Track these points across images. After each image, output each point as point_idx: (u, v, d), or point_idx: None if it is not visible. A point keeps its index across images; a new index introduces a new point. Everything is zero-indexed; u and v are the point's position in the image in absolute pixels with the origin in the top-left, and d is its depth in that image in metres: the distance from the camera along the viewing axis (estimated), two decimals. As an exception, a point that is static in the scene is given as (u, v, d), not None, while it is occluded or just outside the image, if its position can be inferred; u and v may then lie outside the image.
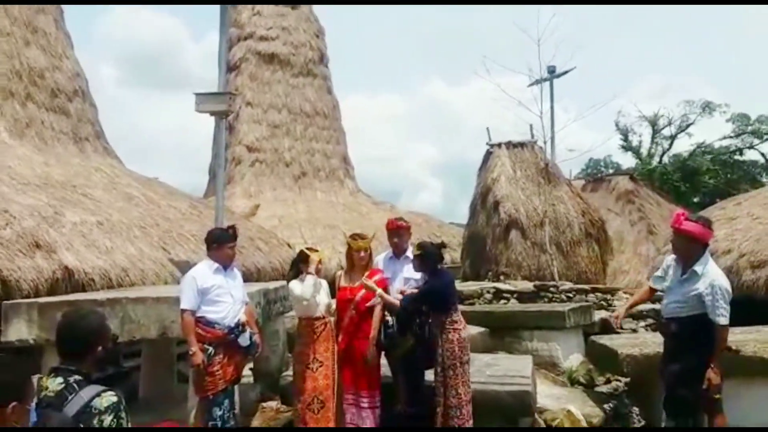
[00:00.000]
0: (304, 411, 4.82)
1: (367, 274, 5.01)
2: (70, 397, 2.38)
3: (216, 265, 4.89)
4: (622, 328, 4.39)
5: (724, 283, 4.00)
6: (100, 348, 2.57)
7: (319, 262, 5.04)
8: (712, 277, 4.00)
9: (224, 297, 4.81)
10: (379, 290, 4.92)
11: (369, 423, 4.90)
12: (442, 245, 5.09)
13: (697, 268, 4.06)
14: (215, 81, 8.58)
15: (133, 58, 62.34)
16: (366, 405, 4.94)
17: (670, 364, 4.15)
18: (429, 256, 4.91)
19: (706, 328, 3.94)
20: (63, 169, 9.62)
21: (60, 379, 2.43)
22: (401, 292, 5.02)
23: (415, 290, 4.97)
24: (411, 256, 5.18)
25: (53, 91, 10.86)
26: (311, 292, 4.86)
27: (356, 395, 4.97)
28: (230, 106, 7.97)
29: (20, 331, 5.11)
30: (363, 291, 4.99)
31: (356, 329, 5.01)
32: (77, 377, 2.45)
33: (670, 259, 4.39)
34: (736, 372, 4.90)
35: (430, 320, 4.90)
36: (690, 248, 4.13)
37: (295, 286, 4.93)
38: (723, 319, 3.93)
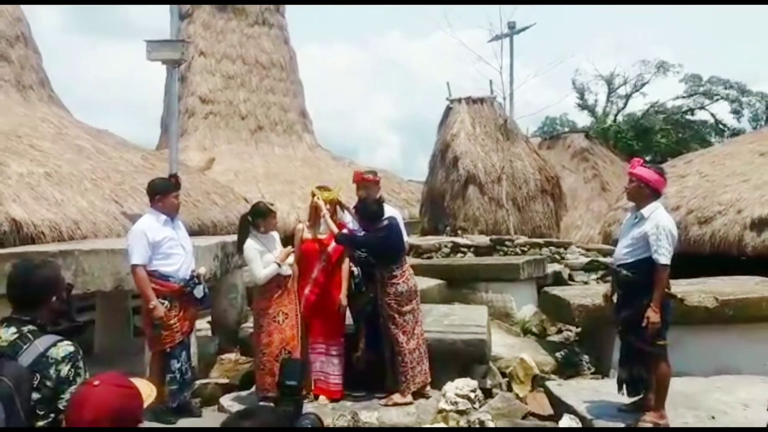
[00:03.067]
0: (272, 363, 4.84)
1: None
2: (24, 347, 2.31)
3: (163, 216, 4.75)
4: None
5: (669, 225, 4.12)
6: (54, 298, 2.49)
7: (275, 216, 5.06)
8: (658, 218, 4.12)
9: (176, 249, 4.72)
10: (325, 211, 4.98)
11: (338, 370, 5.03)
12: (381, 200, 5.12)
13: (645, 211, 4.18)
14: (167, 29, 8.27)
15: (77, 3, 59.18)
16: (335, 353, 5.06)
17: (620, 311, 4.28)
18: (366, 211, 4.99)
19: (654, 273, 4.07)
20: (6, 119, 9.18)
21: (13, 329, 2.35)
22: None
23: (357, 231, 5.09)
24: None
25: (-7, 36, 10.28)
26: (273, 270, 4.85)
27: (326, 344, 5.07)
28: (183, 55, 7.72)
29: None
30: (334, 242, 5.01)
31: (328, 280, 5.06)
32: (31, 327, 2.38)
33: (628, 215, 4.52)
34: (681, 321, 5.13)
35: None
36: (642, 193, 4.24)
37: (258, 267, 4.85)
38: (664, 258, 4.04)
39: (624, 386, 4.38)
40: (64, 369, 2.30)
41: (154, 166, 10.56)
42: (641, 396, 4.36)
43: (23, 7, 11.40)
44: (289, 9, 19.45)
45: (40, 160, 8.23)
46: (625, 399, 4.44)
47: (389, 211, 5.15)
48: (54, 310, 2.53)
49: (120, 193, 8.69)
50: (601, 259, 10.00)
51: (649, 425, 4.13)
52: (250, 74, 17.82)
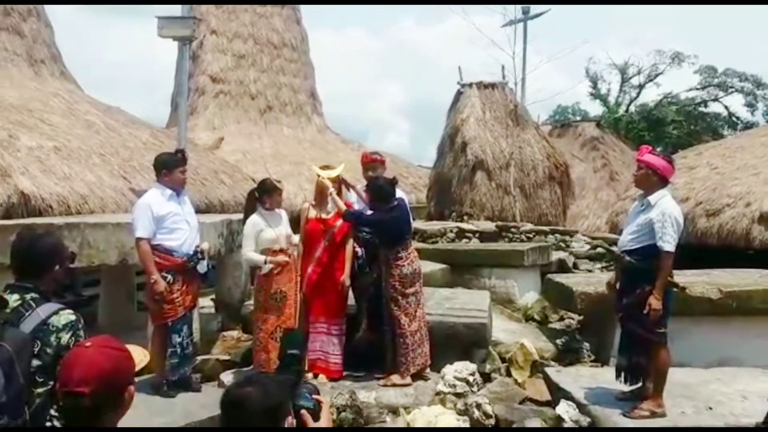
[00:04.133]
0: (267, 340, 4.88)
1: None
2: (26, 314, 2.33)
3: (169, 191, 4.76)
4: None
5: (675, 212, 4.11)
6: (57, 267, 2.52)
7: (280, 193, 5.09)
8: (664, 206, 4.11)
9: (181, 224, 4.73)
10: (332, 189, 4.99)
11: (338, 350, 5.06)
12: (394, 181, 5.11)
13: (651, 198, 4.17)
14: (178, 8, 8.25)
15: (91, -19, 58.80)
16: (336, 332, 5.09)
17: (623, 298, 4.28)
18: (378, 190, 4.98)
19: (658, 261, 4.06)
20: (17, 92, 9.23)
21: (16, 296, 2.38)
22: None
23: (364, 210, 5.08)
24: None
25: (6, 9, 10.31)
26: (276, 234, 4.91)
27: (328, 323, 5.09)
28: (194, 32, 7.72)
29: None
30: (339, 222, 5.03)
31: (331, 260, 5.08)
32: (34, 295, 2.40)
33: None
34: (684, 311, 5.12)
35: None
36: (650, 180, 4.23)
37: (248, 246, 4.90)
38: (668, 246, 4.02)
39: (622, 374, 4.39)
40: (65, 337, 2.33)
41: (163, 143, 10.59)
42: (639, 384, 4.37)
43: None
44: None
45: (49, 134, 8.28)
46: (624, 387, 4.45)
47: (397, 193, 5.16)
48: (57, 279, 2.56)
49: (128, 169, 8.75)
50: (607, 246, 9.97)
51: (646, 413, 4.14)
52: (261, 54, 17.74)
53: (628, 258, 4.21)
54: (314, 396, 2.21)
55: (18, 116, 8.30)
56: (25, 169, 7.04)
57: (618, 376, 4.42)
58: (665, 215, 4.04)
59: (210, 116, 16.56)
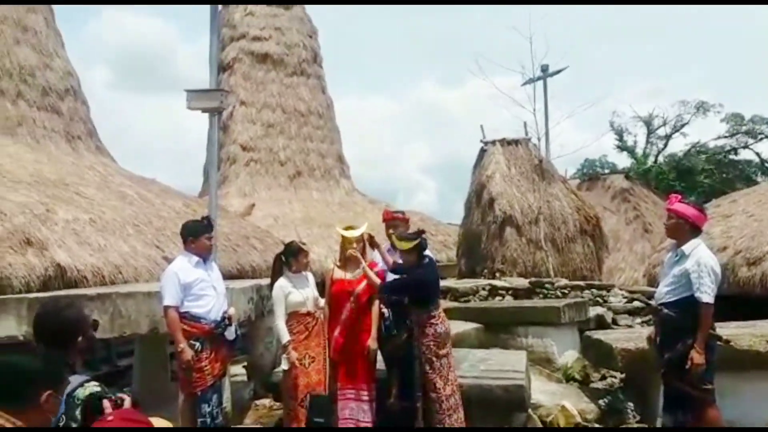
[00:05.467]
0: (297, 407, 4.77)
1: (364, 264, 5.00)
2: (52, 388, 2.32)
3: (196, 258, 4.80)
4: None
5: (712, 262, 3.98)
6: (80, 338, 2.52)
7: (306, 255, 5.08)
8: (699, 255, 3.99)
9: (208, 290, 4.73)
10: (364, 263, 4.97)
11: (369, 417, 4.90)
12: (422, 232, 5.03)
13: (686, 248, 4.06)
14: (208, 82, 8.53)
15: (125, 61, 61.80)
16: (366, 398, 4.95)
17: (663, 353, 4.11)
18: (415, 246, 4.87)
19: (697, 313, 3.90)
20: (55, 167, 9.55)
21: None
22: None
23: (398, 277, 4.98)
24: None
25: (44, 90, 10.80)
26: (304, 297, 4.94)
27: (356, 389, 4.96)
28: (222, 103, 7.89)
29: (9, 327, 5.03)
30: (363, 283, 4.97)
31: (357, 322, 5.00)
32: (59, 368, 2.39)
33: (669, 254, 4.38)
34: (732, 366, 4.87)
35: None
36: (681, 230, 4.13)
37: (279, 313, 4.92)
38: (706, 297, 3.88)
39: (670, 435, 4.17)
40: (90, 410, 2.30)
41: (196, 212, 10.77)
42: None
43: (72, 62, 11.97)
44: (327, 65, 20.07)
45: (85, 206, 8.49)
46: (673, 449, 4.21)
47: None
48: (82, 350, 2.55)
49: (161, 239, 8.87)
50: (645, 300, 9.67)
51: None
52: (289, 122, 18.27)
53: (666, 311, 4.07)
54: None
55: (55, 190, 8.55)
56: (62, 241, 7.19)
57: (666, 437, 4.20)
58: (701, 265, 3.92)
59: (241, 183, 16.94)
